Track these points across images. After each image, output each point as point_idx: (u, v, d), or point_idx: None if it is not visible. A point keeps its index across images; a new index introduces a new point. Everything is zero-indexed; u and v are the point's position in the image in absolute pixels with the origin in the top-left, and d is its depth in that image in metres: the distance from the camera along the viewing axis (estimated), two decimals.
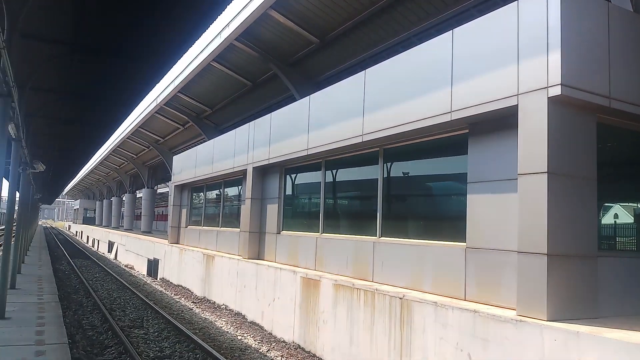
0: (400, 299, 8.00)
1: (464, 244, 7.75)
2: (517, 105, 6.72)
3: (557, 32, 6.31)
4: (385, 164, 10.00)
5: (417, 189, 9.82)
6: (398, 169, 10.00)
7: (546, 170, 6.26)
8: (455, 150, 8.44)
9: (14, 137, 8.65)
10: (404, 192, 10.12)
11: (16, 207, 13.63)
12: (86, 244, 51.47)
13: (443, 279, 8.06)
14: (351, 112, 10.17)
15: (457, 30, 7.93)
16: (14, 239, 12.52)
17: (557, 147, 6.36)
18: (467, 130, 7.96)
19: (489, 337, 6.43)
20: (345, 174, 11.86)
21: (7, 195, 13.44)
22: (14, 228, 13.00)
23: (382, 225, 9.81)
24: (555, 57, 6.30)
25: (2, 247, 9.57)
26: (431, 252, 8.38)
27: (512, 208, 6.91)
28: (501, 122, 7.30)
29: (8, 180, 12.29)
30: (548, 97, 6.34)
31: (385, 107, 9.25)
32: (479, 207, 7.56)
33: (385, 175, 10.00)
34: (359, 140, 9.87)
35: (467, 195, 7.78)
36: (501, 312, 6.58)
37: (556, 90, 6.25)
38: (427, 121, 8.19)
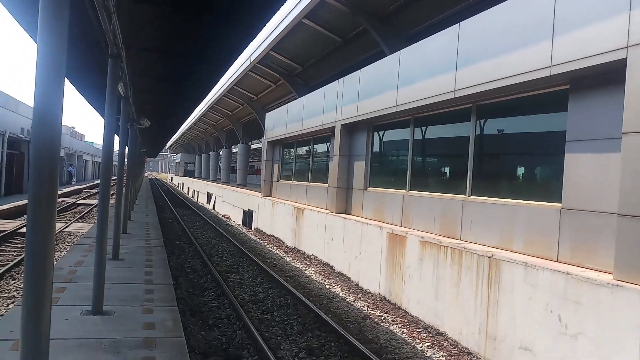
0: (489, 257, 7.92)
1: (559, 204, 7.45)
2: (625, 59, 6.23)
3: None
4: (477, 121, 9.69)
5: (511, 147, 9.46)
6: (491, 126, 9.67)
7: None
8: (554, 107, 8.01)
9: (122, 95, 9.36)
10: (497, 150, 9.80)
11: (125, 160, 14.89)
12: (187, 195, 54.93)
13: (534, 240, 7.85)
14: (443, 67, 9.89)
15: None
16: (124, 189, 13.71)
17: None
18: (567, 86, 7.51)
19: (581, 300, 6.25)
20: (434, 131, 11.64)
21: (118, 148, 14.73)
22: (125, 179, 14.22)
23: (472, 184, 9.63)
24: None
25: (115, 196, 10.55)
26: (523, 212, 8.15)
27: (614, 168, 6.52)
28: (606, 77, 6.80)
29: (118, 136, 13.42)
30: None
31: (480, 62, 8.89)
32: (578, 167, 7.20)
33: (478, 133, 9.72)
34: (450, 96, 9.62)
35: (565, 154, 7.41)
36: (596, 275, 6.35)
37: None
38: (525, 76, 7.80)
